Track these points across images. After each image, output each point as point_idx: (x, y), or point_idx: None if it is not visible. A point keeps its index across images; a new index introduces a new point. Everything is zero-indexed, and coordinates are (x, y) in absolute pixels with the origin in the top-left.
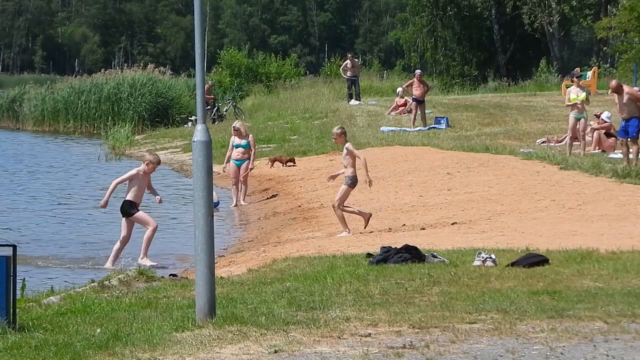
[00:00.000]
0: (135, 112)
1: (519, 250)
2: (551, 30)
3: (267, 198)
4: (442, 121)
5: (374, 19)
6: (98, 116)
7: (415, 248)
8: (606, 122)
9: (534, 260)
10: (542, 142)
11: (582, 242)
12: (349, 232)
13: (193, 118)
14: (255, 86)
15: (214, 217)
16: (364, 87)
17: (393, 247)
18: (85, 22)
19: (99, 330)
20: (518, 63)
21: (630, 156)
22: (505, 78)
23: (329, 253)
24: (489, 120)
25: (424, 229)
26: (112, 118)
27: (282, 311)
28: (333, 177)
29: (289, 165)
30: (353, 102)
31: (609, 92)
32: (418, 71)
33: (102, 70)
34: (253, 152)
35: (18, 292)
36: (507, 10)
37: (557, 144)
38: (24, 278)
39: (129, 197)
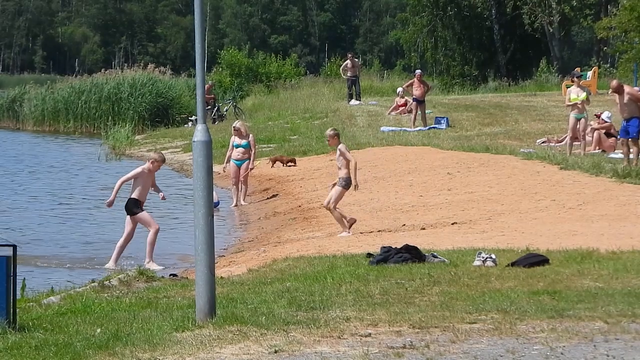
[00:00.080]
0: (135, 112)
1: (519, 250)
2: (551, 30)
3: (268, 198)
4: (442, 121)
5: (374, 19)
6: (98, 116)
7: (415, 248)
8: (606, 122)
9: (534, 260)
10: (543, 142)
11: (582, 242)
12: (349, 232)
13: (193, 118)
14: (255, 86)
15: (214, 217)
16: (364, 87)
17: (393, 247)
18: (85, 22)
19: (99, 330)
20: (518, 63)
21: (631, 156)
22: (505, 78)
23: (329, 253)
24: (489, 120)
25: (424, 229)
26: (112, 118)
27: (282, 311)
28: (334, 185)
29: (290, 166)
30: (353, 102)
31: (610, 92)
32: (418, 71)
33: (103, 70)
34: (253, 152)
35: (18, 292)
36: (508, 10)
37: (557, 144)
38: (24, 278)
39: (134, 195)
